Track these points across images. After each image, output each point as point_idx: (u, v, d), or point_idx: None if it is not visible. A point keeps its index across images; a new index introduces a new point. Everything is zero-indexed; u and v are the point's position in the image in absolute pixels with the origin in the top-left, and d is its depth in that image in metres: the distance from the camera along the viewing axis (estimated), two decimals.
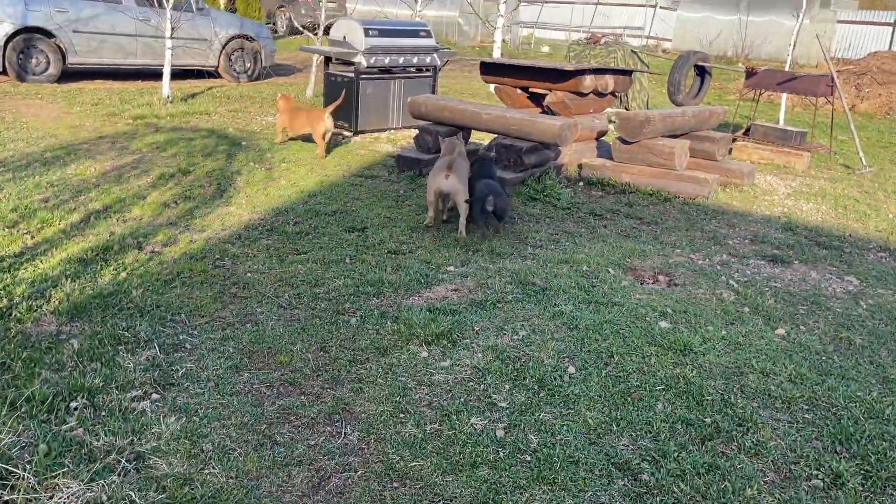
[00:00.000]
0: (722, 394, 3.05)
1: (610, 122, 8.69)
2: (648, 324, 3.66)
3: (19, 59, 9.43)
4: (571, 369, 3.17)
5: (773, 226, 5.66)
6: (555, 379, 3.08)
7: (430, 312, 3.64)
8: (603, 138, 7.54)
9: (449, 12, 22.74)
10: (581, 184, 6.59)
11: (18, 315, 3.30)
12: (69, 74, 10.14)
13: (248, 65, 11.62)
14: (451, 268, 4.32)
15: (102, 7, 9.92)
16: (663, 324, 3.67)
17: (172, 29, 8.86)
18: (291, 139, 7.46)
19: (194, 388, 2.89)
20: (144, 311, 3.48)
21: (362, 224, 5.02)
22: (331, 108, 6.92)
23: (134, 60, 10.47)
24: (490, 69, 7.41)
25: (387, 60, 8.07)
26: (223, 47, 11.20)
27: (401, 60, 8.23)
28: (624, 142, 6.46)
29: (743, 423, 2.84)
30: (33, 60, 9.55)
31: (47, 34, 9.53)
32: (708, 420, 2.85)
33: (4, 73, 9.44)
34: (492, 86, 8.96)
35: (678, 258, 4.75)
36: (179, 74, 10.93)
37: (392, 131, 8.36)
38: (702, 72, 9.28)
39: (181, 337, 3.28)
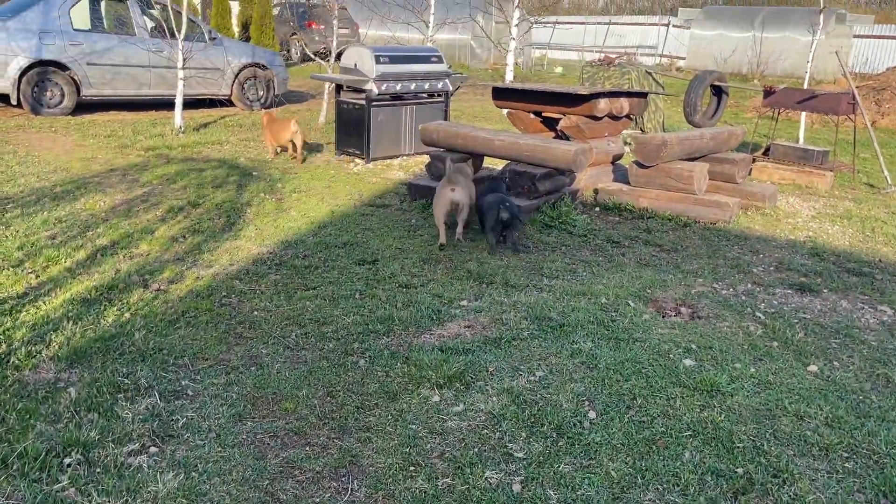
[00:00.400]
0: (754, 440, 2.86)
1: (626, 144, 8.54)
2: (672, 361, 3.48)
3: (34, 93, 9.49)
4: (592, 414, 3.00)
5: (799, 251, 5.46)
6: (574, 425, 2.91)
7: (443, 352, 3.48)
8: (619, 162, 7.39)
9: (461, 36, 22.79)
10: (597, 209, 6.43)
11: (16, 362, 3.19)
12: (84, 106, 10.19)
13: (261, 93, 11.64)
14: (465, 302, 4.17)
15: (116, 39, 9.97)
16: (688, 361, 3.49)
17: (184, 59, 8.87)
18: (303, 170, 7.39)
19: (194, 439, 2.75)
20: (146, 354, 3.36)
21: (373, 256, 4.90)
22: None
23: (148, 91, 10.51)
24: (502, 94, 7.31)
25: (398, 87, 8.01)
26: (236, 76, 11.23)
27: (412, 86, 8.16)
28: (640, 166, 6.31)
29: (778, 473, 2.65)
30: (48, 93, 9.61)
31: (61, 67, 9.59)
32: (740, 470, 2.66)
33: (19, 105, 9.50)
34: (505, 110, 8.87)
35: (700, 288, 4.57)
36: (193, 103, 10.97)
37: (404, 158, 8.27)
38: (718, 92, 9.11)
39: (183, 383, 3.16)
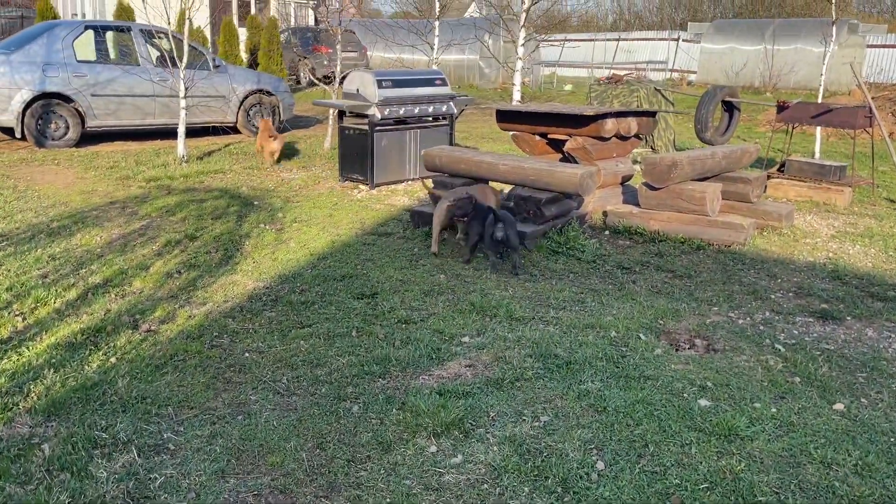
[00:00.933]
0: (777, 492, 2.62)
1: (635, 162, 8.34)
2: (686, 402, 3.26)
3: (38, 125, 9.46)
4: (600, 465, 2.78)
5: (819, 274, 5.21)
6: (581, 478, 2.69)
7: (441, 396, 3.28)
8: (628, 182, 7.18)
9: (470, 56, 22.79)
10: (607, 233, 6.23)
11: None
12: (89, 137, 10.16)
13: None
14: (466, 338, 3.97)
15: (120, 70, 9.95)
16: (703, 402, 3.26)
17: (186, 88, 8.81)
18: (305, 198, 7.27)
19: (171, 500, 2.57)
20: (128, 404, 3.19)
21: (372, 289, 4.72)
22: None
23: (153, 120, 10.46)
24: (506, 116, 7.14)
25: (401, 111, 7.88)
26: (241, 103, 11.17)
27: (416, 110, 8.03)
28: (650, 187, 6.10)
29: None
30: (52, 125, 9.58)
31: (66, 99, 9.56)
32: None
33: (24, 139, 9.47)
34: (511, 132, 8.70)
35: (716, 317, 4.34)
36: (199, 132, 10.93)
37: (409, 183, 8.12)
38: (730, 107, 8.91)
39: (165, 435, 2.97)
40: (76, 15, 26.46)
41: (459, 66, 23.15)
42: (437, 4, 11.57)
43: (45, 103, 9.44)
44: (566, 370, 3.56)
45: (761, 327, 4.20)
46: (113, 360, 3.63)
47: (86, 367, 3.53)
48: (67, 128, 9.68)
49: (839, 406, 3.27)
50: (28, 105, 9.27)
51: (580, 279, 5.06)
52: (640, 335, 4.01)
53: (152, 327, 4.08)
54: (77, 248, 5.48)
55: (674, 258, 5.53)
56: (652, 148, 9.71)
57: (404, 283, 4.88)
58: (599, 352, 3.76)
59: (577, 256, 5.50)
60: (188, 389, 3.36)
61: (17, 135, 9.36)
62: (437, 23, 11.61)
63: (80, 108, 9.69)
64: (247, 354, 3.75)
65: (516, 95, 12.73)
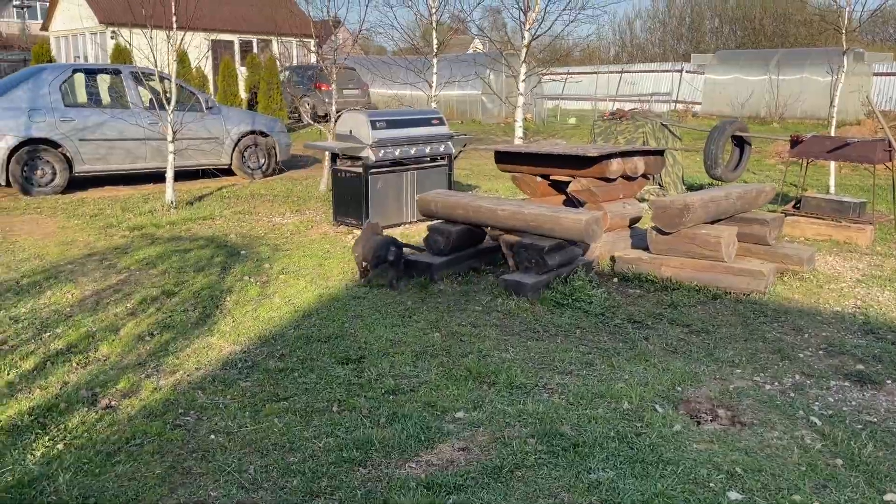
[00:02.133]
0: None
1: (642, 200, 7.96)
2: (714, 494, 2.80)
3: (24, 172, 9.16)
4: None
5: (850, 327, 4.76)
6: None
7: (429, 490, 2.84)
8: (637, 224, 6.78)
9: (472, 91, 22.64)
10: (615, 280, 5.81)
11: None
12: (77, 182, 9.87)
13: (263, 161, 11.28)
14: (460, 413, 3.53)
15: (109, 113, 9.69)
16: (733, 494, 2.81)
17: (174, 132, 8.52)
18: (296, 246, 6.90)
19: None
20: None
21: (359, 352, 4.30)
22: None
23: (144, 164, 10.16)
24: (506, 157, 6.79)
25: (397, 152, 7.54)
26: (235, 144, 10.89)
27: (412, 151, 7.70)
28: (661, 232, 5.70)
29: None
30: (38, 172, 9.28)
31: (53, 144, 9.28)
32: None
33: (9, 186, 9.17)
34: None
35: (739, 382, 3.89)
36: (192, 174, 10.64)
37: (407, 226, 7.75)
38: (740, 142, 8.54)
39: None
40: (78, 58, 26.60)
41: (462, 101, 23.00)
42: (435, 42, 11.34)
43: (32, 149, 9.15)
44: (573, 454, 3.11)
45: (792, 394, 3.75)
46: (60, 446, 3.21)
47: (28, 456, 3.12)
48: (54, 174, 9.38)
49: (891, 497, 2.81)
50: (13, 151, 8.99)
51: (588, 336, 4.63)
52: (657, 406, 3.57)
53: (112, 402, 3.67)
54: (45, 307, 5.10)
55: (689, 309, 5.10)
56: (660, 184, 9.33)
57: (394, 343, 4.46)
58: (611, 429, 3.32)
59: (584, 309, 5.08)
60: (140, 484, 2.93)
61: (2, 182, 9.07)
62: (435, 60, 11.38)
63: (67, 154, 9.40)
64: (212, 436, 3.33)
65: (518, 132, 12.43)
